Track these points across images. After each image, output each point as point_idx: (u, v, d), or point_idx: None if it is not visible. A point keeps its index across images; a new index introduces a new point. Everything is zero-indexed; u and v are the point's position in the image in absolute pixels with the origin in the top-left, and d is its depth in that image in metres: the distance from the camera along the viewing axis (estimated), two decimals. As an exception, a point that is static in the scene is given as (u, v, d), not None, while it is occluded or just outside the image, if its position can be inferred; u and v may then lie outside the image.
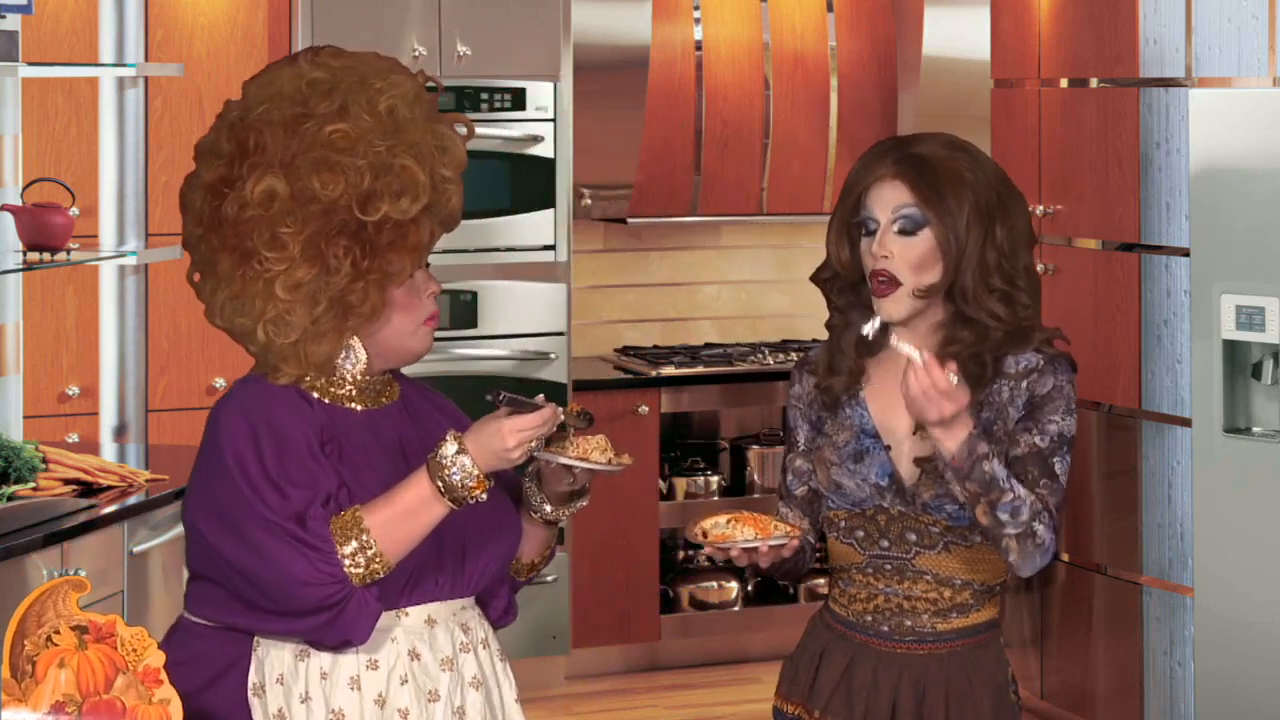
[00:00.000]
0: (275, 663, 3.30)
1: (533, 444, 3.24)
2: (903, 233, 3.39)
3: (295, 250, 3.24)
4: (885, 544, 3.48)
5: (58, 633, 2.96)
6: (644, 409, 7.31)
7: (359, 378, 3.37)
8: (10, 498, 4.62)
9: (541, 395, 3.32)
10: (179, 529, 4.93)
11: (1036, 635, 6.74)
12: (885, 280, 3.39)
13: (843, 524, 3.51)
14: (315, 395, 3.34)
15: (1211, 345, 5.53)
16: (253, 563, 3.21)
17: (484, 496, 3.25)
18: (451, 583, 3.37)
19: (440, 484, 3.23)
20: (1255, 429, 5.52)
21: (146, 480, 4.98)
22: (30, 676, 2.94)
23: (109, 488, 4.89)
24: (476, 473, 3.23)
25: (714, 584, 7.53)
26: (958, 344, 3.42)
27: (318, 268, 3.25)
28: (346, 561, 3.21)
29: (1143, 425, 6.18)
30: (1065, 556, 6.56)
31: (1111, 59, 6.32)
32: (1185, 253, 5.98)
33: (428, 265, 3.39)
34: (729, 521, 3.38)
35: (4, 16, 5.26)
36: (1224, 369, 5.52)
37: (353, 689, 3.28)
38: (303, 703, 3.28)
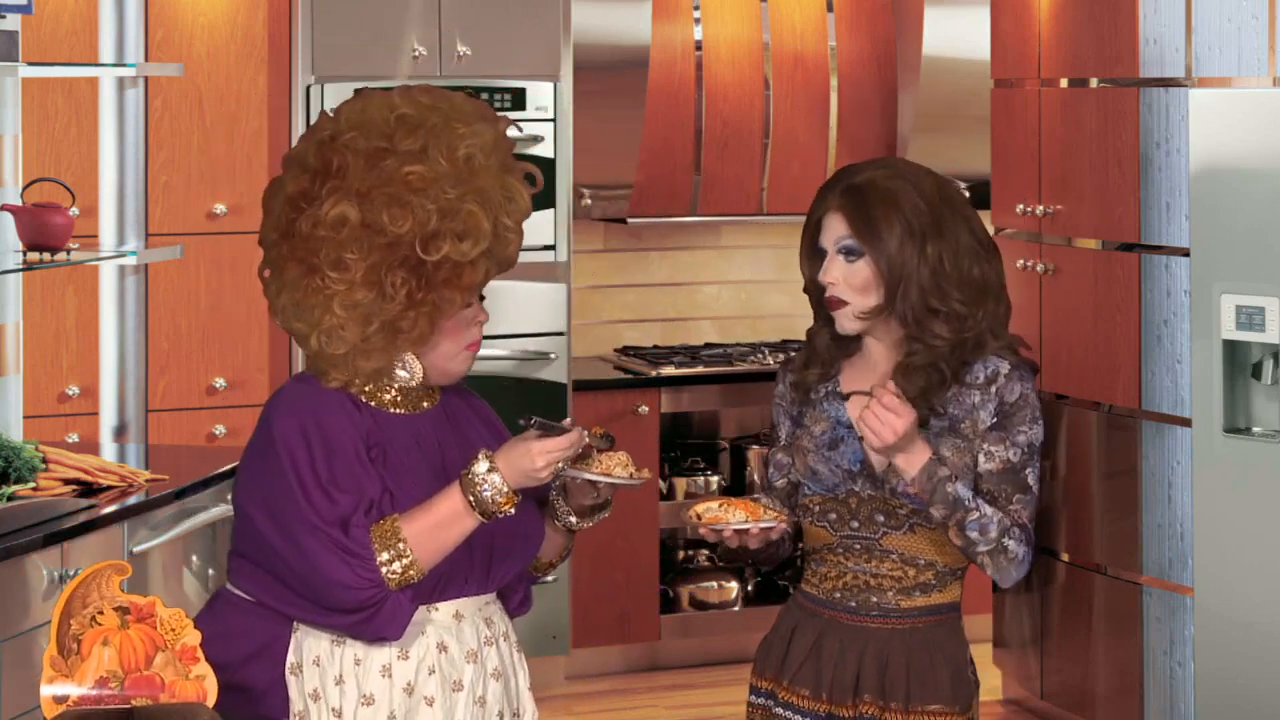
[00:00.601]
0: (312, 646, 3.53)
1: (560, 465, 3.49)
2: (846, 260, 3.69)
3: (357, 275, 3.46)
4: (855, 525, 3.71)
5: (101, 613, 3.14)
6: (644, 409, 7.31)
7: (406, 387, 3.60)
8: (10, 498, 4.62)
9: (569, 419, 3.55)
10: (179, 529, 4.93)
11: (1036, 635, 6.74)
12: (833, 301, 3.71)
13: (816, 509, 3.75)
14: (363, 400, 3.57)
15: (1211, 345, 5.53)
16: (297, 560, 3.44)
17: (512, 511, 3.50)
18: (479, 582, 3.61)
19: (472, 499, 3.47)
20: (1255, 429, 5.52)
21: (146, 480, 4.98)
22: (76, 654, 3.12)
23: (109, 488, 4.89)
24: (506, 490, 3.48)
25: (714, 584, 7.53)
26: (913, 355, 3.67)
27: (375, 293, 3.47)
28: (384, 568, 3.45)
29: (1143, 425, 6.18)
30: (1065, 556, 6.56)
31: (1111, 59, 6.32)
32: (1185, 253, 5.98)
33: (482, 299, 3.63)
34: (721, 505, 3.64)
35: (4, 16, 5.26)
36: (1224, 369, 5.52)
37: (384, 676, 3.53)
38: (337, 685, 3.52)
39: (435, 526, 3.46)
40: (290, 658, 3.53)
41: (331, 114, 3.59)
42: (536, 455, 3.46)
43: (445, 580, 3.54)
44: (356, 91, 3.63)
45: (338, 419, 3.50)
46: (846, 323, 3.70)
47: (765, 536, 3.63)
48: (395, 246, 3.45)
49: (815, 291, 3.77)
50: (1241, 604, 5.49)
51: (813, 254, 3.76)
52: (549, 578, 7.12)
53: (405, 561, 3.44)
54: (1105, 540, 6.37)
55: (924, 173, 3.70)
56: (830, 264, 3.70)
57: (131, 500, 4.82)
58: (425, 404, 3.63)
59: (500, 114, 3.62)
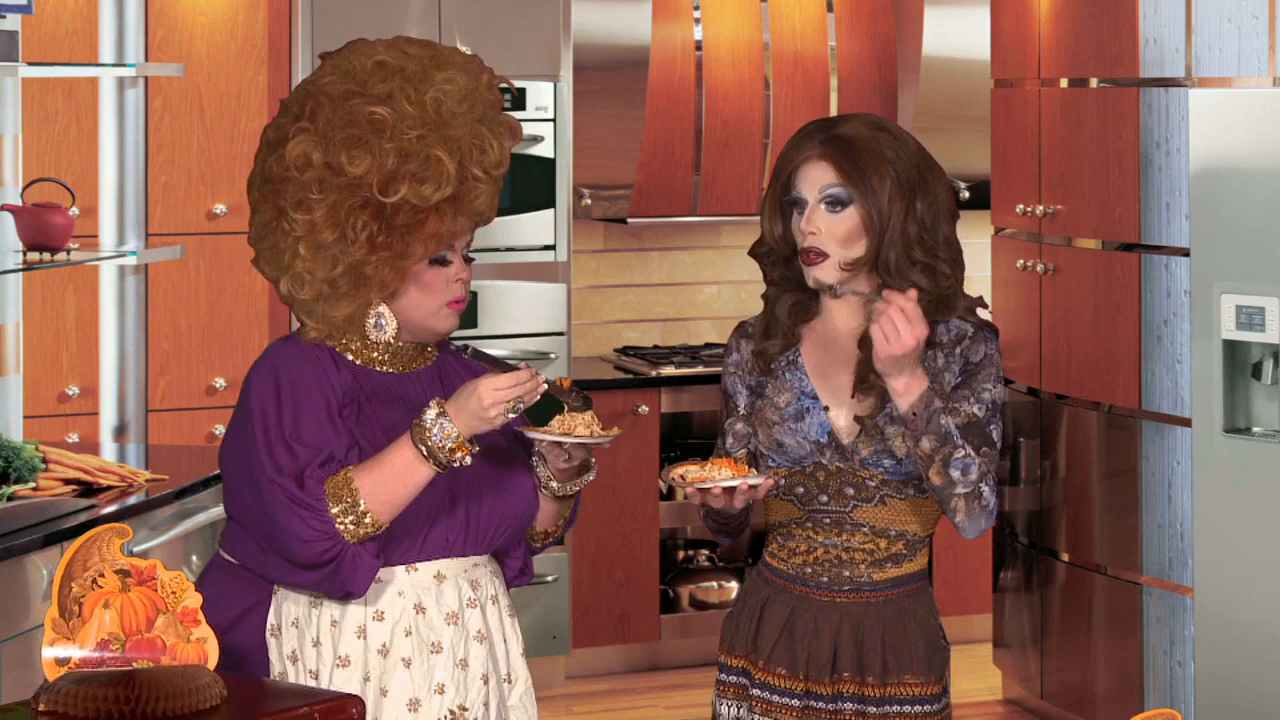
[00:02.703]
0: (291, 608, 3.52)
1: (508, 404, 3.40)
2: (830, 210, 3.59)
3: (318, 215, 3.44)
4: (824, 499, 3.65)
5: (102, 576, 3.14)
6: (644, 409, 7.31)
7: (391, 343, 3.56)
8: (10, 498, 4.62)
9: (524, 364, 3.47)
10: (179, 529, 4.94)
11: (1036, 635, 6.74)
12: (815, 253, 3.59)
13: (782, 481, 3.68)
14: (349, 357, 3.54)
15: (1211, 345, 5.53)
16: (260, 515, 3.43)
17: (468, 460, 3.43)
18: (463, 541, 3.55)
19: (423, 448, 3.42)
20: (1255, 429, 5.52)
21: (146, 480, 4.98)
22: (77, 616, 3.12)
23: (109, 488, 4.89)
24: (455, 433, 3.41)
25: (714, 584, 7.53)
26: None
27: (337, 234, 3.45)
28: (338, 521, 3.40)
29: (1143, 425, 6.18)
30: (1065, 556, 6.56)
31: (1111, 59, 6.32)
32: (1185, 253, 5.98)
33: (470, 259, 3.59)
34: (702, 466, 3.55)
35: (4, 16, 5.26)
36: (1224, 369, 5.52)
37: (359, 638, 3.49)
38: (314, 647, 3.50)
39: (388, 477, 3.40)
40: (270, 619, 3.52)
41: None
42: (484, 392, 3.37)
43: (425, 537, 3.50)
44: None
45: (313, 376, 3.48)
46: (824, 274, 3.60)
47: (753, 495, 3.54)
48: (355, 188, 3.43)
49: (780, 249, 3.66)
50: (1241, 604, 5.49)
51: (779, 209, 3.65)
52: (548, 577, 7.12)
53: (358, 512, 3.40)
54: (1105, 540, 6.37)
55: (903, 130, 3.67)
56: (813, 213, 3.59)
57: (131, 500, 4.82)
58: (417, 364, 3.59)
59: (487, 67, 3.57)
